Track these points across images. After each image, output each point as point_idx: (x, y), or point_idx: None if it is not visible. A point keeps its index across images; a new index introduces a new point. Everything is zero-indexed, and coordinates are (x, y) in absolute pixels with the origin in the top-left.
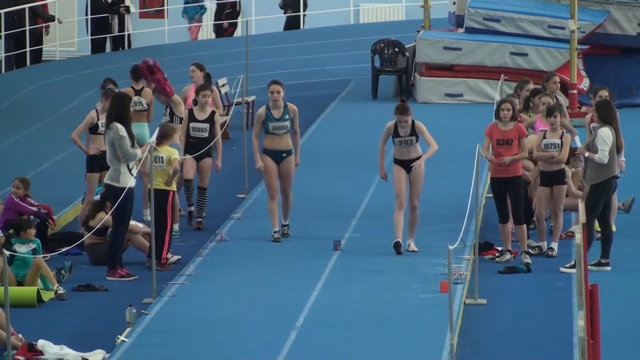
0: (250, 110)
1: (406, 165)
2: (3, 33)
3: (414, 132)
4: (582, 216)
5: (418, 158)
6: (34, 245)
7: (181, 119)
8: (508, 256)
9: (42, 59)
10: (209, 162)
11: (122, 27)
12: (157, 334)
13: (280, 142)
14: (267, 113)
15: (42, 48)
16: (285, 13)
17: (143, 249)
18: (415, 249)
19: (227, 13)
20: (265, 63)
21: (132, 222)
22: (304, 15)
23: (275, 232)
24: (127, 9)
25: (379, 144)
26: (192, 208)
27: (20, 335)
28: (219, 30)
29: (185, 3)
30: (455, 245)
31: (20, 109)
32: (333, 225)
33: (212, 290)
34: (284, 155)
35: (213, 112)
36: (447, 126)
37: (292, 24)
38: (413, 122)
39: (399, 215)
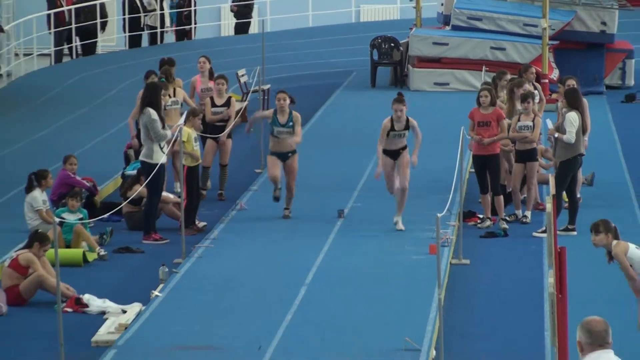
0: (266, 97)
1: (393, 154)
2: (53, 30)
3: (407, 126)
4: (552, 188)
5: (404, 147)
6: (81, 215)
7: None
8: (488, 223)
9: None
10: (229, 143)
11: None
12: (186, 289)
13: (284, 145)
14: (274, 117)
15: (87, 42)
16: (236, 18)
17: (174, 217)
18: (402, 228)
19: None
20: (278, 56)
21: (164, 194)
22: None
23: (277, 189)
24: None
25: (378, 140)
26: (205, 193)
27: (72, 288)
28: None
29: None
30: (443, 214)
31: (68, 96)
32: (337, 196)
33: (233, 252)
34: (289, 155)
35: (229, 97)
36: (435, 111)
37: (241, 28)
38: (407, 118)
39: (396, 195)
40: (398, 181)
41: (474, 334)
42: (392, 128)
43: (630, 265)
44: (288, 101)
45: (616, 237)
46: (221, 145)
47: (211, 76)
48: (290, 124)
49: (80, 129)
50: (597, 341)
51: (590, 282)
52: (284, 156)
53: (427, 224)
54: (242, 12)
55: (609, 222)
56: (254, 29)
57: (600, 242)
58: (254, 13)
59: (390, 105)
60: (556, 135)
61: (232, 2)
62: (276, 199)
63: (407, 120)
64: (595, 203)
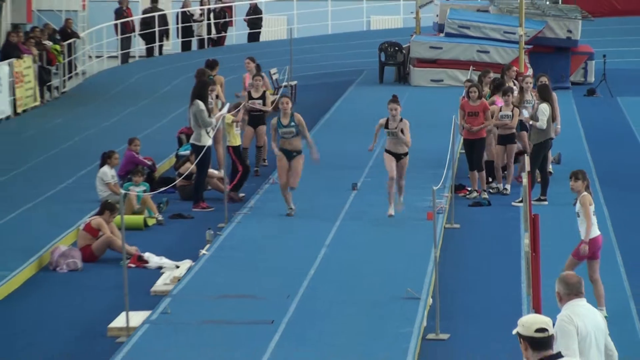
0: (293, 91)
1: (395, 156)
2: (119, 37)
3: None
4: (527, 166)
5: (405, 154)
6: (144, 187)
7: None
8: (474, 194)
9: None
10: (264, 128)
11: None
12: (228, 249)
13: (291, 144)
14: (277, 121)
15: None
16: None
17: (218, 189)
18: (392, 213)
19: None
20: (303, 58)
21: (210, 170)
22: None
23: (290, 209)
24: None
25: (375, 128)
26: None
27: (135, 247)
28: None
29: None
30: (438, 187)
31: (131, 91)
32: (351, 172)
33: (266, 218)
34: (294, 154)
35: (264, 92)
36: (431, 102)
37: (254, 37)
38: (401, 119)
39: (391, 185)
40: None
41: (463, 285)
42: (387, 127)
43: None
44: (290, 105)
45: (587, 189)
46: (258, 130)
47: (258, 71)
48: (293, 124)
49: (142, 117)
50: (573, 291)
51: (559, 243)
52: (290, 154)
53: (425, 195)
54: (254, 22)
55: (585, 173)
56: (282, 35)
57: (576, 188)
58: (284, 22)
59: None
60: (531, 122)
61: (247, 15)
62: (289, 214)
63: (401, 120)
64: (562, 177)
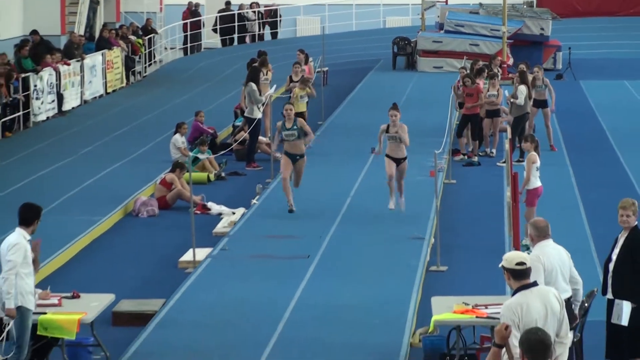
0: (325, 76)
1: (395, 160)
2: (189, 32)
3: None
4: (509, 135)
5: (404, 158)
6: (207, 155)
7: None
8: (461, 157)
9: (202, 48)
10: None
11: (243, 29)
12: (273, 199)
13: (294, 147)
14: (282, 124)
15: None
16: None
17: (265, 152)
18: (392, 207)
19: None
20: (333, 50)
21: (260, 137)
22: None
23: (290, 204)
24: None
25: (378, 134)
26: None
27: (200, 196)
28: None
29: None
30: (439, 151)
31: (197, 76)
32: (368, 140)
33: (306, 173)
34: (298, 157)
35: (302, 76)
36: (433, 85)
37: (273, 35)
38: (401, 125)
39: (391, 181)
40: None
41: (458, 228)
42: (388, 131)
43: None
44: (294, 111)
45: (536, 149)
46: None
47: (306, 61)
48: (295, 127)
49: (207, 96)
50: (542, 234)
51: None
52: (294, 158)
53: (429, 157)
54: (272, 23)
55: (534, 136)
56: (316, 32)
57: (526, 148)
58: (318, 22)
59: (387, 110)
60: (512, 100)
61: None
62: (291, 212)
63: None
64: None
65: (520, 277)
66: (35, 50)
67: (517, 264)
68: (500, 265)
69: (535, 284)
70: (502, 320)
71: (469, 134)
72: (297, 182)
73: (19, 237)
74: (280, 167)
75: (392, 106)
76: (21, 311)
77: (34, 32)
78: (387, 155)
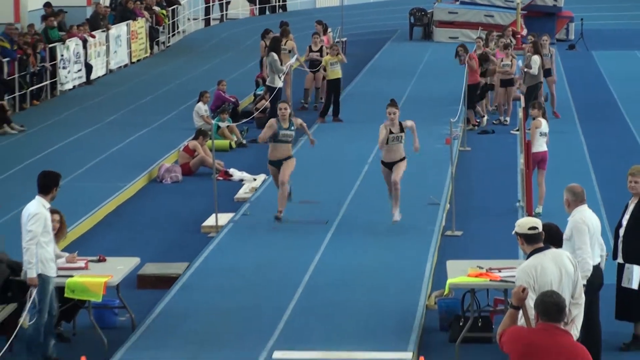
0: (344, 46)
1: (389, 166)
2: (204, 5)
3: (402, 129)
4: (522, 103)
5: (402, 159)
6: (228, 123)
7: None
8: (482, 124)
9: (228, 18)
10: (321, 74)
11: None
12: (300, 160)
13: (281, 152)
14: (277, 124)
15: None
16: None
17: None
18: (398, 219)
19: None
20: (352, 20)
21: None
22: None
23: (279, 211)
24: None
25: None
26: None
27: (222, 163)
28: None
29: None
30: (455, 120)
31: (219, 46)
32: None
33: (322, 142)
34: (283, 161)
35: (321, 46)
36: (449, 54)
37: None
38: (400, 122)
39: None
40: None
41: (473, 194)
42: (390, 132)
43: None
44: (289, 110)
45: (543, 116)
46: (317, 75)
47: (325, 32)
48: (292, 127)
49: (228, 65)
50: (579, 198)
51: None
52: (279, 163)
53: (445, 125)
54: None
55: (541, 103)
56: (335, 3)
57: (533, 115)
58: None
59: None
60: (525, 69)
61: None
62: (277, 219)
63: (401, 124)
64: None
65: (534, 241)
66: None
67: (530, 228)
68: (513, 232)
69: (548, 247)
70: (518, 282)
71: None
72: (283, 175)
73: (39, 206)
74: (272, 177)
75: (390, 102)
76: (42, 278)
77: (47, 5)
78: (383, 162)
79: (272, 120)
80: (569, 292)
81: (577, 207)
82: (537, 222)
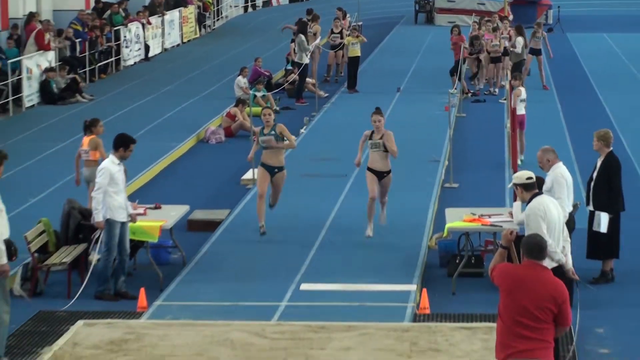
0: (360, 29)
1: (377, 174)
2: None
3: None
4: (509, 76)
5: (388, 172)
6: (263, 93)
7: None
8: (474, 94)
9: (263, 5)
10: (341, 53)
11: None
12: (317, 129)
13: (273, 158)
14: (260, 130)
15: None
16: None
17: (311, 91)
18: (371, 235)
19: None
20: (366, 7)
21: (307, 79)
22: None
23: (261, 226)
24: None
25: (359, 144)
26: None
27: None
28: None
29: None
30: (452, 90)
31: (257, 28)
32: (397, 78)
33: (341, 109)
34: (276, 170)
35: (341, 29)
36: (448, 36)
37: None
38: (385, 131)
39: (372, 205)
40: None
41: (468, 150)
42: (371, 137)
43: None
44: (273, 116)
45: (522, 85)
46: (337, 53)
47: (344, 16)
48: (273, 132)
49: (264, 45)
50: (557, 155)
51: (530, 124)
52: (271, 170)
53: (444, 96)
54: None
55: (520, 74)
56: None
57: (515, 85)
58: None
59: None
60: (511, 49)
61: None
62: (263, 234)
63: (384, 134)
64: (531, 85)
65: (531, 188)
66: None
67: (527, 178)
68: (510, 185)
69: (541, 192)
70: (532, 218)
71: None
72: (274, 200)
73: (107, 162)
74: (257, 181)
75: (375, 111)
76: (109, 222)
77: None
78: (369, 169)
79: (257, 129)
80: (564, 230)
81: (556, 164)
82: (531, 173)
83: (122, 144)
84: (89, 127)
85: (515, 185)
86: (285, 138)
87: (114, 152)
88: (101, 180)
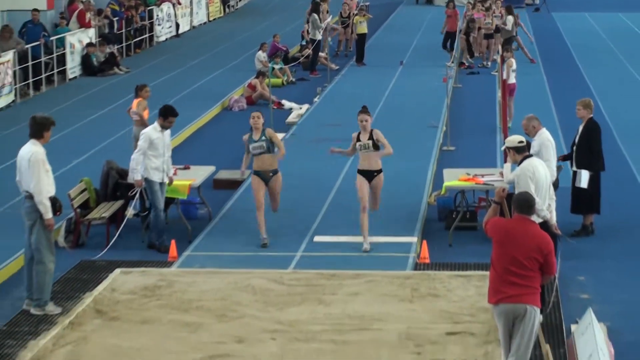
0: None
1: (368, 175)
2: None
3: (373, 141)
4: (500, 51)
5: (378, 171)
6: (280, 65)
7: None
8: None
9: None
10: (350, 30)
11: None
12: (329, 100)
13: (265, 163)
14: (249, 137)
15: None
16: None
17: (323, 64)
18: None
19: None
20: None
21: (320, 53)
22: None
23: (263, 238)
24: None
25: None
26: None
27: (275, 97)
28: None
29: None
30: (449, 63)
31: (276, 8)
32: (400, 53)
33: (352, 80)
34: (271, 174)
35: (350, 13)
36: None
37: None
38: (372, 130)
39: (364, 218)
40: (370, 202)
41: (463, 117)
42: (359, 139)
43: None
44: (262, 120)
45: (512, 57)
46: (347, 30)
47: None
48: (264, 138)
49: (281, 23)
50: (540, 123)
51: (519, 93)
52: (265, 176)
53: (442, 68)
54: None
55: (510, 47)
56: None
57: (507, 57)
58: None
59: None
60: (502, 25)
61: None
62: (264, 246)
63: (372, 133)
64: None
65: (522, 151)
66: None
67: (519, 142)
68: (503, 147)
69: (531, 155)
70: (522, 177)
71: (467, 48)
72: (274, 206)
73: (150, 128)
74: (253, 192)
75: (362, 109)
76: (147, 180)
77: None
78: (360, 171)
79: (245, 135)
80: (551, 189)
81: (540, 130)
82: (522, 137)
83: (162, 114)
84: (139, 91)
85: (508, 148)
86: (275, 145)
87: (158, 119)
88: (141, 143)
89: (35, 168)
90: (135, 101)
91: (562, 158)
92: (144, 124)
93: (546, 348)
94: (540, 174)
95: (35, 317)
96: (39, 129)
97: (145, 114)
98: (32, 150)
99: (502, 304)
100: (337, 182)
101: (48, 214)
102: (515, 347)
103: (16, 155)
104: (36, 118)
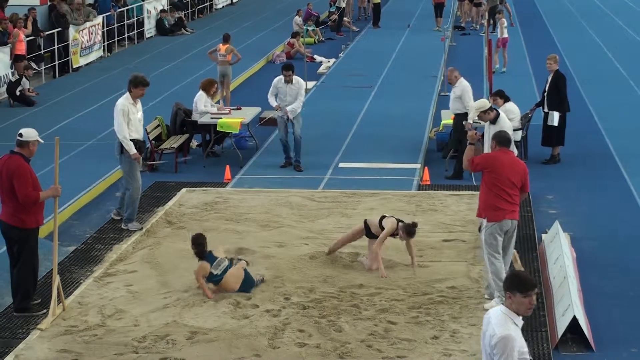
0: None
1: (370, 235)
2: None
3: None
4: (487, 16)
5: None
6: (313, 27)
7: None
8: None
9: None
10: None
11: None
12: (352, 55)
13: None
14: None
15: None
16: None
17: (346, 26)
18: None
19: None
20: None
21: (345, 18)
22: None
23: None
24: None
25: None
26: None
27: (309, 50)
28: None
29: None
30: (447, 26)
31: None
32: (404, 19)
33: (371, 39)
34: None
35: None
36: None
37: None
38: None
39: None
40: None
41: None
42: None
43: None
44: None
45: (502, 17)
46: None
47: None
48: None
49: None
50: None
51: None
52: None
53: (438, 32)
54: None
55: (502, 11)
56: None
57: (499, 17)
58: None
59: None
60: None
61: None
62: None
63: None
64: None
65: (491, 110)
66: None
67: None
68: (477, 111)
69: (498, 112)
70: (503, 121)
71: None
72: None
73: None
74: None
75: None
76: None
77: None
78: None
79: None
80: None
81: (460, 79)
82: (486, 101)
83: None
84: (227, 38)
85: (483, 111)
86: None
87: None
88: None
89: (116, 115)
90: (222, 46)
91: (536, 106)
92: (228, 64)
93: (514, 252)
94: (506, 121)
95: (119, 226)
96: (128, 85)
97: (230, 57)
98: (118, 102)
99: (506, 219)
100: (358, 118)
101: (132, 150)
102: (508, 252)
103: (106, 97)
104: (131, 76)
